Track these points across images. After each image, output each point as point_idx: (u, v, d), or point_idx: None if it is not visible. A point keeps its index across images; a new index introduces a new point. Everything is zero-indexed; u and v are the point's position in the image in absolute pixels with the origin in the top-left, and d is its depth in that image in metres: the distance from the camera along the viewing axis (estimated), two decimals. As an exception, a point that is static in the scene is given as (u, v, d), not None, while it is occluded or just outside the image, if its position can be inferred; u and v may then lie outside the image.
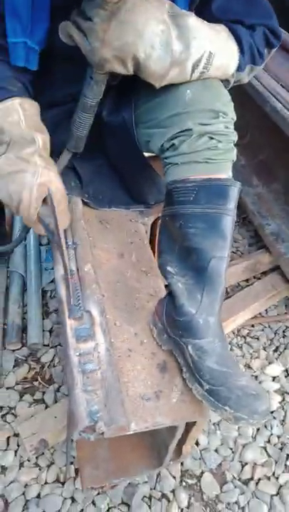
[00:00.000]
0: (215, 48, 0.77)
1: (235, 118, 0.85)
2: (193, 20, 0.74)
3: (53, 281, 1.52)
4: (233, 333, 1.50)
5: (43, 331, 1.38)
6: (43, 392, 1.25)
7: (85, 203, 1.10)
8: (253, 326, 1.54)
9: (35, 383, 1.28)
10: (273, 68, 1.80)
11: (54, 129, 0.88)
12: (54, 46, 0.76)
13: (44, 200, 0.79)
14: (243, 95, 1.75)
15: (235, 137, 0.84)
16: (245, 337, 1.50)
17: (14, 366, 1.31)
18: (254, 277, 1.66)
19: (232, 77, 0.84)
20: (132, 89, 0.91)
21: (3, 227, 1.57)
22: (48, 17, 0.78)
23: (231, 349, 1.45)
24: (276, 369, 1.40)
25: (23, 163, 0.76)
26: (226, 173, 0.83)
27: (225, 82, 0.85)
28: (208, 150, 0.80)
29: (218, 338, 0.78)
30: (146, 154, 1.02)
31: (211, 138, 0.80)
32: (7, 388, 1.25)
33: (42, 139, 0.79)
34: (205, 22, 0.77)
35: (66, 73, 0.87)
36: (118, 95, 0.94)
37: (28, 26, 0.77)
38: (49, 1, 0.76)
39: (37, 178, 0.76)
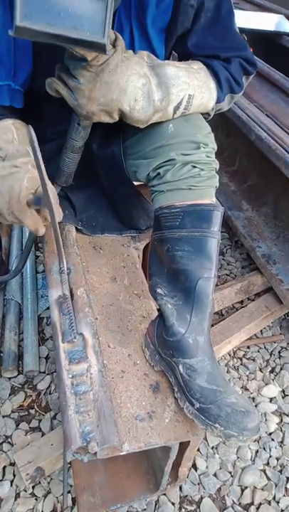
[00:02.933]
0: (193, 90, 0.84)
1: (216, 148, 0.90)
2: (171, 69, 0.81)
3: (48, 308, 1.54)
4: (229, 355, 1.51)
5: (39, 357, 1.39)
6: (40, 420, 1.25)
7: (78, 230, 1.14)
8: (248, 347, 1.55)
9: (32, 411, 1.27)
10: (258, 99, 1.90)
11: (45, 164, 0.92)
12: (40, 88, 0.80)
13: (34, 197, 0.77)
14: (230, 125, 1.85)
15: (216, 165, 0.90)
16: (241, 358, 1.51)
17: (10, 394, 1.31)
18: (248, 299, 1.69)
19: (212, 110, 0.90)
20: (119, 124, 0.98)
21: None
22: (30, 60, 0.83)
23: (228, 371, 1.46)
24: (273, 390, 1.40)
25: (15, 168, 0.78)
26: (209, 199, 0.87)
27: (205, 114, 0.91)
28: (192, 178, 0.85)
29: (207, 356, 0.80)
30: (135, 183, 1.08)
31: (194, 166, 0.85)
32: (3, 416, 1.25)
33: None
34: (182, 66, 0.83)
35: (54, 112, 0.91)
36: (106, 130, 1.01)
37: (11, 70, 0.82)
38: (31, 45, 0.82)
39: (28, 174, 0.76)
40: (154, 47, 0.88)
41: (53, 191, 0.81)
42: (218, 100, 0.89)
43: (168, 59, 0.94)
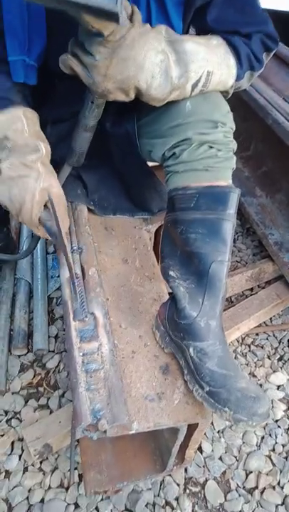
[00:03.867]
0: (212, 66, 0.80)
1: (234, 128, 0.88)
2: (189, 45, 0.77)
3: (59, 288, 1.55)
4: (238, 341, 1.51)
5: (49, 337, 1.40)
6: (48, 398, 1.26)
7: (90, 210, 1.13)
8: (257, 334, 1.54)
9: (40, 389, 1.29)
10: (276, 82, 1.85)
11: (56, 144, 0.91)
12: (54, 64, 0.77)
13: (44, 205, 0.84)
14: (246, 109, 1.80)
15: (234, 146, 0.87)
16: (249, 345, 1.50)
17: (19, 371, 1.32)
18: (258, 286, 1.67)
19: (231, 88, 0.87)
20: (134, 102, 0.95)
21: (9, 236, 1.61)
22: (44, 35, 0.81)
23: (236, 357, 1.45)
24: (281, 377, 1.40)
25: (26, 169, 0.80)
26: (226, 181, 0.85)
27: (224, 92, 0.88)
28: (208, 158, 0.83)
29: (219, 340, 0.79)
30: (149, 164, 1.06)
31: (211, 147, 0.83)
32: (12, 393, 1.27)
33: (45, 147, 0.83)
34: (201, 41, 0.80)
35: (68, 91, 0.89)
36: (120, 107, 0.98)
37: (26, 44, 0.80)
38: (44, 19, 0.79)
39: (39, 184, 0.81)
40: (172, 21, 0.84)
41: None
42: (238, 78, 0.86)
43: (186, 34, 0.90)
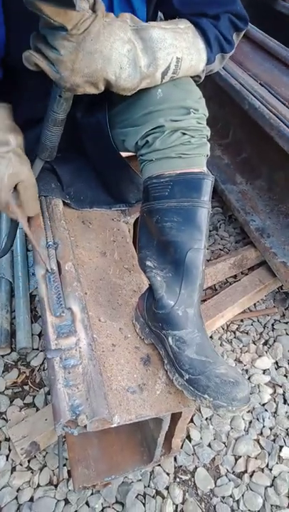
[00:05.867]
0: (181, 52, 0.78)
1: (207, 114, 0.86)
2: (156, 31, 0.75)
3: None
4: (223, 328, 1.51)
5: (32, 335, 1.39)
6: (34, 396, 1.25)
7: (66, 204, 1.11)
8: (242, 320, 1.55)
9: (26, 387, 1.28)
10: (252, 67, 1.84)
11: (34, 144, 0.90)
12: (18, 61, 0.74)
13: (15, 189, 0.86)
14: (223, 96, 1.79)
15: (207, 132, 0.86)
16: (234, 332, 1.51)
17: (3, 371, 1.30)
18: (242, 273, 1.68)
19: (202, 72, 0.86)
20: (105, 91, 0.93)
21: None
22: (2, 21, 0.78)
23: (221, 344, 1.46)
24: (266, 362, 1.41)
25: None
26: (200, 168, 0.84)
27: (196, 77, 0.87)
28: (181, 145, 0.82)
29: (197, 328, 0.79)
30: (124, 155, 1.04)
31: (184, 133, 0.81)
32: (-3, 393, 1.25)
33: (16, 139, 0.81)
34: (168, 27, 0.78)
35: (39, 86, 0.85)
36: (91, 97, 0.96)
37: None
38: (1, 6, 0.76)
39: (9, 170, 0.81)
40: (135, 7, 0.83)
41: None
42: (209, 61, 0.84)
43: (153, 20, 0.88)
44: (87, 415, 0.66)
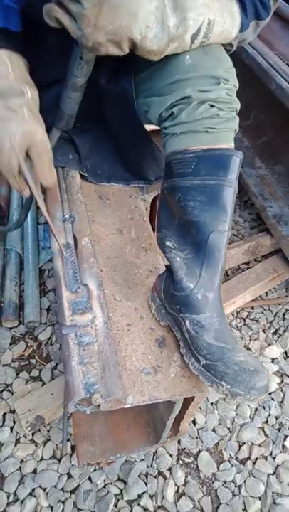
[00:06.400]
0: (214, 14, 0.72)
1: (237, 85, 0.81)
2: None
3: (50, 260, 1.50)
4: (233, 315, 1.49)
5: (41, 309, 1.37)
6: (40, 370, 1.25)
7: (83, 177, 1.07)
8: (252, 308, 1.53)
9: (32, 361, 1.27)
10: (280, 47, 1.75)
11: (49, 109, 0.84)
12: (39, 16, 0.69)
13: (27, 155, 0.75)
14: (247, 74, 1.71)
15: (237, 105, 0.81)
16: (244, 319, 1.49)
17: (11, 344, 1.30)
18: (255, 260, 1.65)
19: (235, 39, 0.79)
20: (131, 56, 0.88)
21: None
22: None
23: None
24: (275, 351, 1.40)
25: (9, 112, 0.72)
26: (228, 143, 0.79)
27: (228, 45, 0.81)
28: (209, 118, 0.77)
29: (216, 313, 0.76)
30: (147, 128, 0.99)
31: (212, 106, 0.76)
32: (3, 365, 1.24)
33: (31, 91, 0.75)
34: None
35: (60, 47, 0.80)
36: (116, 62, 0.90)
37: None
38: None
39: (22, 126, 0.71)
40: None
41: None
42: (242, 28, 0.78)
43: None
44: (102, 394, 0.65)
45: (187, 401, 0.82)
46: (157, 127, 0.89)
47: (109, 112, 0.99)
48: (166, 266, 0.87)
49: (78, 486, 1.05)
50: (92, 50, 0.70)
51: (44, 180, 0.79)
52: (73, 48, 0.74)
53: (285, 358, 1.39)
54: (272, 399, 1.28)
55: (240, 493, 1.10)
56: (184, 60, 0.76)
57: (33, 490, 1.04)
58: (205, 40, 0.74)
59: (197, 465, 1.13)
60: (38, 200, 0.80)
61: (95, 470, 1.08)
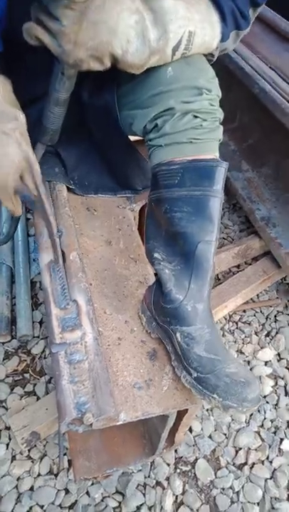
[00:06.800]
0: (194, 26, 0.72)
1: (220, 95, 0.81)
2: (167, 1, 0.69)
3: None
4: (225, 318, 1.49)
5: (33, 322, 1.36)
6: (34, 384, 1.24)
7: (70, 190, 1.07)
8: (244, 311, 1.53)
9: (26, 375, 1.26)
10: (263, 50, 1.76)
11: (34, 126, 0.83)
12: (19, 35, 0.69)
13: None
14: (231, 78, 1.72)
15: (221, 115, 0.81)
16: (236, 322, 1.49)
17: (4, 359, 1.28)
18: (245, 263, 1.65)
19: (216, 50, 0.80)
20: (113, 70, 0.88)
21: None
22: None
23: (223, 335, 1.45)
24: (268, 353, 1.40)
25: (4, 137, 0.71)
26: (212, 153, 0.80)
27: (209, 55, 0.81)
28: (193, 129, 0.77)
29: (206, 324, 0.76)
30: (131, 139, 0.99)
31: (195, 116, 0.77)
32: (-3, 381, 1.24)
33: (22, 115, 0.76)
34: None
35: (40, 63, 0.79)
36: (98, 76, 0.90)
37: None
38: None
39: (18, 152, 0.72)
40: None
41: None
42: (223, 38, 0.78)
43: None
44: (94, 413, 0.64)
45: (181, 413, 0.82)
46: (141, 137, 0.90)
47: (93, 124, 0.99)
48: (156, 276, 0.87)
49: (76, 501, 1.05)
50: (73, 67, 0.70)
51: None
52: (54, 64, 0.74)
53: (278, 360, 1.40)
54: (267, 402, 1.29)
55: (238, 499, 1.10)
56: (166, 71, 0.77)
57: (31, 508, 1.03)
58: (186, 52, 0.75)
59: (195, 473, 1.13)
60: (44, 207, 0.78)
61: (92, 484, 1.07)
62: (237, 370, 0.71)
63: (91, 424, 0.64)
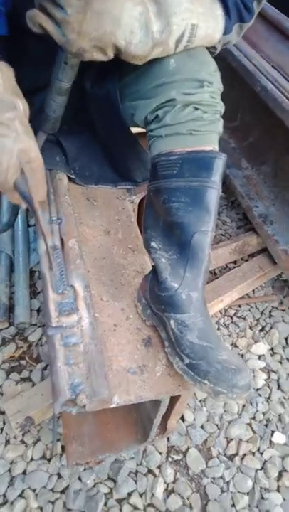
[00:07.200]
0: (197, 18, 0.73)
1: (221, 88, 0.83)
2: None
3: (40, 261, 1.51)
4: (220, 313, 1.51)
5: (31, 310, 1.38)
6: (30, 371, 1.25)
7: (70, 180, 1.08)
8: (240, 306, 1.55)
9: (23, 362, 1.28)
10: (266, 49, 1.78)
11: (36, 114, 0.84)
12: (23, 22, 0.69)
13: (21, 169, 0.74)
14: (234, 76, 1.74)
15: (221, 108, 0.83)
16: (232, 317, 1.51)
17: (1, 345, 1.30)
18: (242, 259, 1.67)
19: (218, 42, 0.81)
20: (116, 60, 0.89)
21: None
22: None
23: (218, 329, 1.46)
24: (262, 348, 1.42)
25: (2, 128, 0.71)
26: (212, 146, 0.81)
27: (211, 48, 0.82)
28: (193, 121, 0.78)
29: (200, 313, 0.78)
30: (133, 130, 1.01)
31: (196, 108, 0.78)
32: (-7, 367, 1.25)
33: (22, 104, 0.76)
34: None
35: (44, 52, 0.80)
36: (101, 66, 0.91)
37: None
38: None
39: (17, 145, 0.70)
40: None
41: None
42: (226, 31, 0.79)
43: None
44: (87, 395, 0.66)
45: (173, 399, 0.83)
46: (143, 130, 0.91)
47: (95, 114, 1.00)
48: (152, 266, 0.89)
49: (68, 486, 1.06)
50: (76, 56, 0.71)
51: (37, 194, 0.77)
52: (58, 53, 0.75)
53: (271, 355, 1.42)
54: (260, 395, 1.30)
55: (228, 489, 1.11)
56: (168, 63, 0.78)
57: (23, 491, 1.04)
58: (189, 44, 0.76)
59: (186, 462, 1.15)
60: (36, 212, 0.77)
61: (84, 469, 1.09)
62: (228, 357, 0.73)
63: (84, 406, 0.66)
